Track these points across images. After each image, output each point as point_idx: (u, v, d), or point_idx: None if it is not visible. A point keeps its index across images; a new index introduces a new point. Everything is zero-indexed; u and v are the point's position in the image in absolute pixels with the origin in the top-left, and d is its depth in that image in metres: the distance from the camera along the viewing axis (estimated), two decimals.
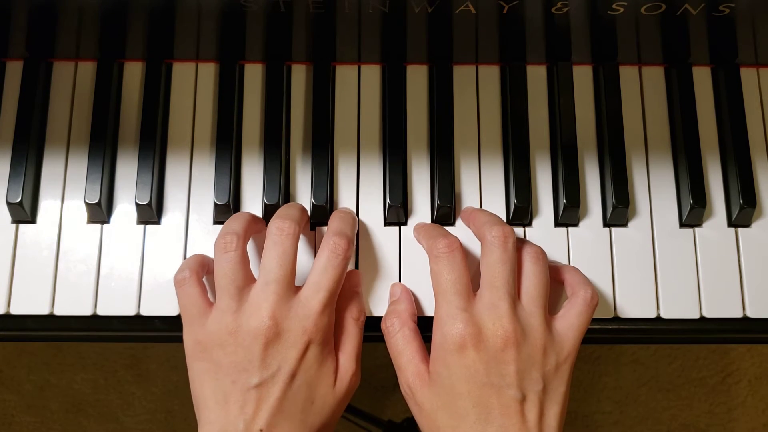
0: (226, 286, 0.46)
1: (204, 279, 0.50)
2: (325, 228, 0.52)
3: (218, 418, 0.45)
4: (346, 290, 0.50)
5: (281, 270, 0.46)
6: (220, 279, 0.47)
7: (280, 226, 0.47)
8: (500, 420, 0.45)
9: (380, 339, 0.51)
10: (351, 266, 0.53)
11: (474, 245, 0.52)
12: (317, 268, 0.47)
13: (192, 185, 0.54)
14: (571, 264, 0.53)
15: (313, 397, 0.46)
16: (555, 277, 0.51)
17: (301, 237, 0.52)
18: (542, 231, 0.54)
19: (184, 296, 0.48)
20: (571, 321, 0.48)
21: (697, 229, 0.54)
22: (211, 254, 0.52)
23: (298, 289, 0.47)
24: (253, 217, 0.50)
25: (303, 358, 0.46)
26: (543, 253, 0.49)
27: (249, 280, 0.47)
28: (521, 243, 0.50)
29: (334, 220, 0.50)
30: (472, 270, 0.50)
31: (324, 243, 0.48)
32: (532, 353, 0.46)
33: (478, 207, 0.54)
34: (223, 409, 0.45)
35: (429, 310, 0.52)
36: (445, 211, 0.53)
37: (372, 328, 0.51)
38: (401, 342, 0.49)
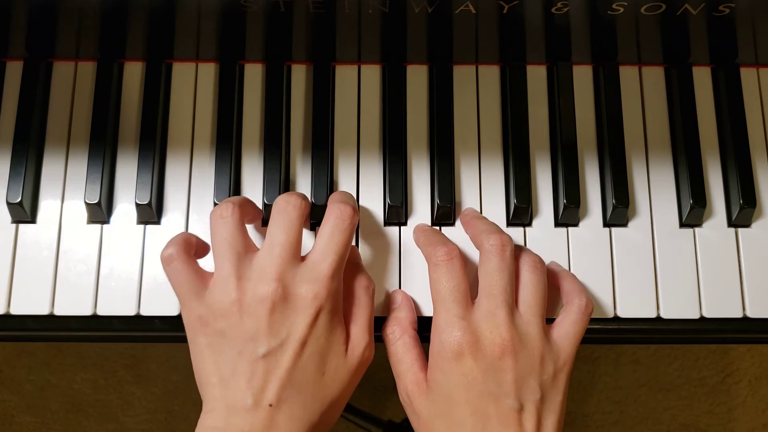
0: (226, 252, 0.45)
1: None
2: None
3: (224, 394, 0.43)
4: (350, 263, 0.49)
5: (287, 236, 0.45)
6: (218, 246, 0.45)
7: (287, 199, 0.46)
8: (498, 429, 0.44)
9: (379, 339, 0.51)
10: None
11: (473, 250, 0.52)
12: (324, 234, 0.46)
13: (192, 185, 0.54)
14: (572, 264, 0.53)
15: (324, 368, 0.45)
16: (551, 282, 0.51)
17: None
18: (542, 231, 0.54)
19: (174, 273, 0.46)
20: (566, 329, 0.48)
21: (697, 229, 0.54)
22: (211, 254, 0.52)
23: (304, 258, 0.46)
24: (250, 200, 0.49)
25: (314, 325, 0.44)
26: (541, 262, 0.49)
27: (250, 247, 0.46)
28: (519, 251, 0.50)
29: (335, 194, 0.50)
30: (471, 276, 0.50)
31: (328, 212, 0.47)
32: (530, 362, 0.46)
33: (478, 207, 0.54)
34: (229, 384, 0.43)
35: (428, 311, 0.51)
36: (445, 211, 0.53)
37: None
38: (401, 350, 0.48)
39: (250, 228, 0.51)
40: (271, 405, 0.43)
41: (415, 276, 0.52)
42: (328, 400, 0.45)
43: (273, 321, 0.43)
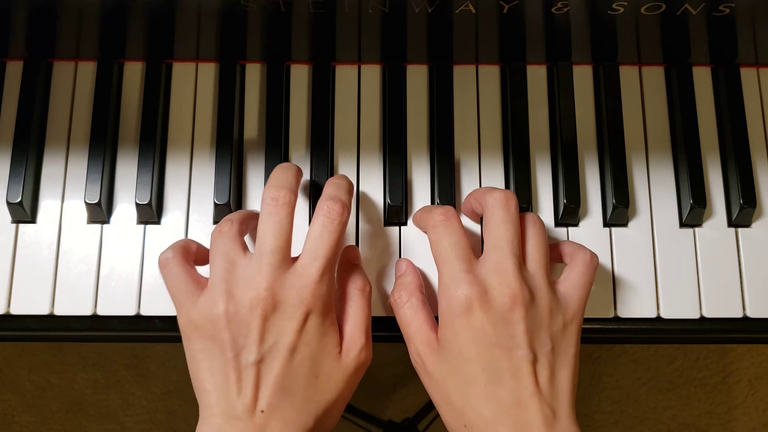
0: (220, 260, 0.45)
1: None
2: None
3: (218, 402, 0.44)
4: (347, 263, 0.49)
5: (276, 240, 0.45)
6: (214, 256, 0.46)
7: (274, 196, 0.46)
8: (512, 382, 0.44)
9: (382, 339, 0.51)
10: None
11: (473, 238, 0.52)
12: (312, 236, 0.46)
13: (192, 185, 0.54)
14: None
15: (317, 372, 0.45)
16: (552, 255, 0.51)
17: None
18: None
19: (170, 276, 0.46)
20: (573, 282, 0.47)
21: (697, 229, 0.54)
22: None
23: (294, 260, 0.46)
24: (250, 213, 0.50)
25: (302, 330, 0.44)
26: (541, 220, 0.49)
27: (243, 252, 0.46)
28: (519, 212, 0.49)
29: (328, 187, 0.49)
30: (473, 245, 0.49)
31: (318, 209, 0.46)
32: (540, 314, 0.45)
33: None
34: (222, 392, 0.44)
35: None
36: None
37: (373, 328, 0.51)
38: (409, 312, 0.48)
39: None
40: (263, 411, 0.43)
41: None
42: (323, 404, 0.45)
43: (262, 328, 0.44)
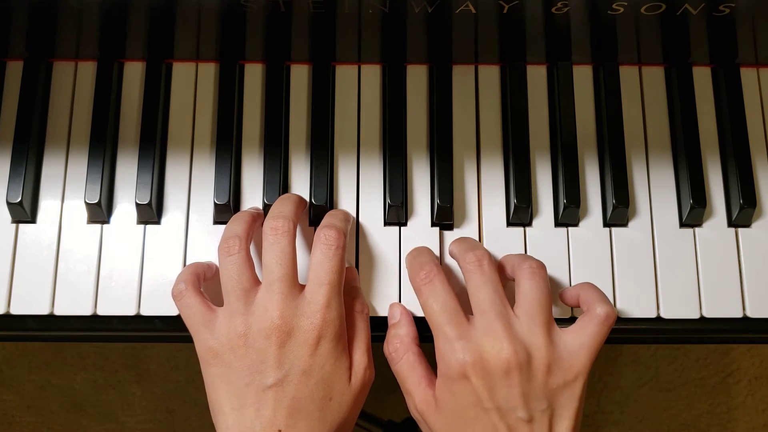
0: (233, 288, 0.47)
1: (202, 289, 0.50)
2: None
3: (235, 423, 0.45)
4: (346, 285, 0.50)
5: (282, 268, 0.46)
6: (226, 282, 0.47)
7: (273, 226, 0.47)
8: None
9: (380, 339, 0.51)
10: (352, 265, 0.53)
11: None
12: (314, 264, 0.47)
13: (192, 185, 0.54)
14: (572, 264, 0.53)
15: (330, 394, 0.46)
16: (569, 300, 0.51)
17: (303, 236, 0.53)
18: (542, 231, 0.54)
19: (185, 308, 0.48)
20: (582, 340, 0.46)
21: (697, 229, 0.54)
22: (212, 253, 0.52)
23: (303, 287, 0.48)
24: (252, 216, 0.50)
25: (315, 354, 0.46)
26: (540, 266, 0.48)
27: (255, 281, 0.47)
28: (517, 259, 0.49)
29: (325, 217, 0.51)
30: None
31: (315, 239, 0.48)
32: (536, 373, 0.45)
33: (478, 207, 0.54)
34: (239, 413, 0.45)
35: None
36: (445, 211, 0.53)
37: (373, 328, 0.51)
38: (406, 368, 0.49)
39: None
40: (280, 430, 0.45)
41: None
42: (336, 424, 0.46)
43: (279, 354, 0.45)
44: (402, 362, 0.49)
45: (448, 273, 0.52)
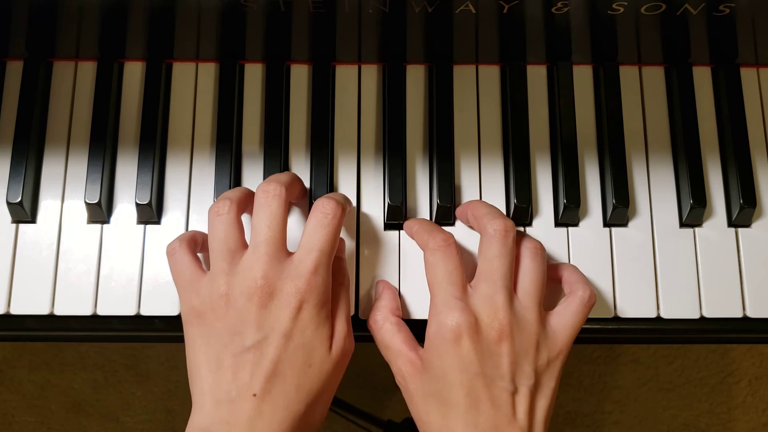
0: (219, 248, 0.46)
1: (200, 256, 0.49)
2: None
3: (210, 388, 0.44)
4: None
5: (270, 230, 0.46)
6: (212, 242, 0.47)
7: (265, 189, 0.47)
8: (490, 411, 0.45)
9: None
10: (351, 267, 0.53)
11: (468, 243, 0.52)
12: (307, 230, 0.47)
13: (192, 185, 0.54)
14: (572, 264, 0.53)
15: (310, 361, 0.45)
16: (552, 276, 0.51)
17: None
18: (542, 231, 0.54)
19: (175, 264, 0.48)
20: (565, 319, 0.48)
21: (697, 229, 0.54)
22: None
23: (291, 253, 0.47)
24: (250, 191, 0.50)
25: (297, 318, 0.45)
26: (542, 248, 0.49)
27: (242, 244, 0.47)
28: (520, 237, 0.50)
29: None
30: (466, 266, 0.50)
31: (312, 208, 0.48)
32: (526, 347, 0.46)
33: None
34: (215, 377, 0.44)
35: (425, 313, 0.51)
36: (445, 211, 0.53)
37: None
38: (387, 336, 0.49)
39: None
40: (255, 395, 0.44)
41: (415, 276, 0.52)
42: (314, 393, 0.46)
43: (259, 316, 0.45)
44: (382, 330, 0.49)
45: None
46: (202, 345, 0.45)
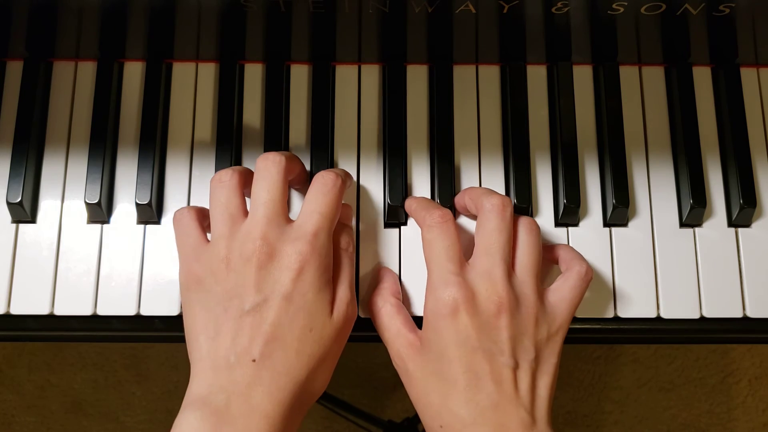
0: (220, 213, 0.46)
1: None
2: None
3: (208, 354, 0.44)
4: (337, 222, 0.50)
5: (269, 194, 0.46)
6: (214, 208, 0.47)
7: (265, 156, 0.47)
8: (491, 386, 0.44)
9: (379, 339, 0.51)
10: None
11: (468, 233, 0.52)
12: (308, 199, 0.47)
13: (192, 185, 0.54)
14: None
15: (311, 325, 0.45)
16: (548, 256, 0.51)
17: None
18: (542, 231, 0.54)
19: (181, 228, 0.48)
20: (563, 294, 0.48)
21: (697, 229, 0.54)
22: None
23: (292, 221, 0.47)
24: (252, 172, 0.50)
25: (297, 280, 0.44)
26: (537, 225, 0.49)
27: (243, 211, 0.47)
28: (515, 216, 0.50)
29: None
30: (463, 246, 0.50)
31: (312, 181, 0.48)
32: (525, 322, 0.46)
33: None
34: (214, 343, 0.44)
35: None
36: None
37: (372, 328, 0.51)
38: (386, 317, 0.49)
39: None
40: (254, 360, 0.43)
41: (415, 276, 0.52)
42: (315, 358, 0.45)
43: (258, 278, 0.44)
44: (381, 312, 0.49)
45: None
46: (200, 311, 0.45)
